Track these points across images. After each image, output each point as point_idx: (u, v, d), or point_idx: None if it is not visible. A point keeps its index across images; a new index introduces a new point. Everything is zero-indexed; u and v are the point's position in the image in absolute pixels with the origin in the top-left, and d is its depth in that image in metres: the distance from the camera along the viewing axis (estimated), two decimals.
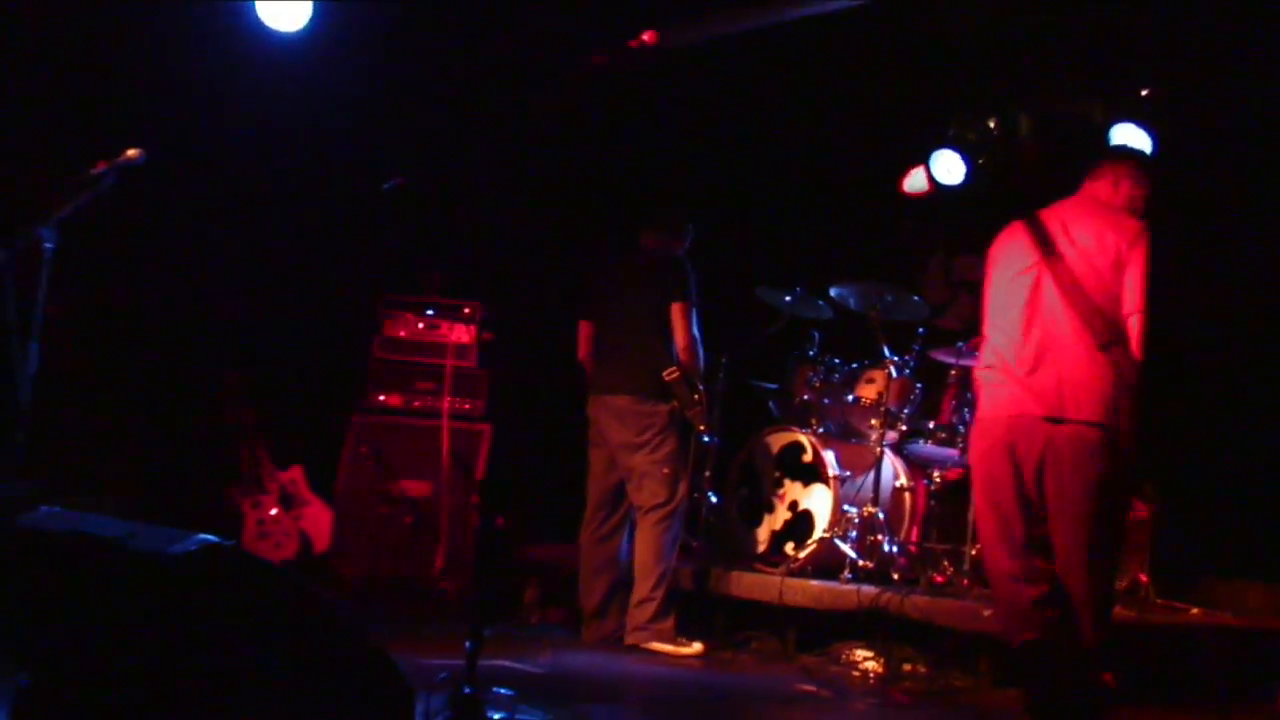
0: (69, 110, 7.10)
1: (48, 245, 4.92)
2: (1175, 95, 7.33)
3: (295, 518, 7.93)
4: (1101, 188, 5.11)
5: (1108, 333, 4.74)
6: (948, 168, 8.02)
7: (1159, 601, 6.80)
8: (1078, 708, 4.69)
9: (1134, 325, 4.76)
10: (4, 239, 4.93)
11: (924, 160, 8.13)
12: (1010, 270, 5.00)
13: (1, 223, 5.11)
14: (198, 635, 2.85)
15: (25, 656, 3.49)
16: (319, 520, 7.92)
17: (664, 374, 6.50)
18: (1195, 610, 6.80)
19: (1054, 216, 5.02)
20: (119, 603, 3.00)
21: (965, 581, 6.48)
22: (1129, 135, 7.36)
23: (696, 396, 6.54)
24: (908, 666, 5.99)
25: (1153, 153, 6.93)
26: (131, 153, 5.05)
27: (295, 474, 8.04)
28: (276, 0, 6.63)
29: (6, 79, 7.05)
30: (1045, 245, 4.92)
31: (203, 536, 2.93)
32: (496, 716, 3.86)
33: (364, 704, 2.97)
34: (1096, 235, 4.87)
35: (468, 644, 3.89)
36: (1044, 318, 4.84)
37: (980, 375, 5.08)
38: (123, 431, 7.66)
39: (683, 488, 6.62)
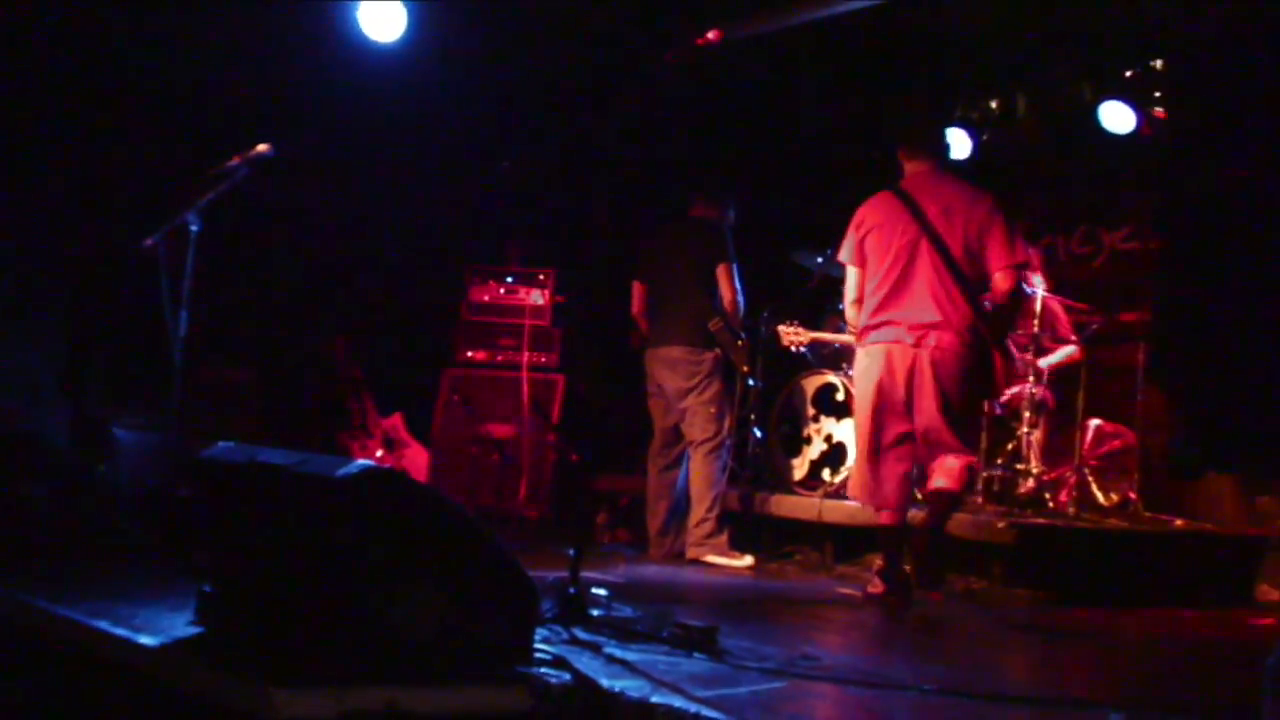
0: (208, 114, 7.19)
1: (193, 228, 4.96)
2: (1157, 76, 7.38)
3: (397, 458, 8.07)
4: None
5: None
6: (955, 143, 8.09)
7: (1147, 515, 6.92)
8: None
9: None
10: (157, 224, 5.04)
11: None
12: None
13: (154, 210, 5.20)
14: (363, 542, 2.97)
15: (208, 568, 3.64)
16: (417, 460, 8.07)
17: (709, 325, 6.57)
18: (1179, 521, 6.92)
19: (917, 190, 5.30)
20: (294, 518, 3.13)
21: (979, 499, 6.58)
22: (1116, 112, 7.46)
23: (739, 344, 6.61)
24: None
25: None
26: (261, 147, 5.07)
27: (396, 421, 8.19)
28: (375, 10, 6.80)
29: (158, 93, 7.19)
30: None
31: (363, 462, 3.06)
32: (596, 612, 3.99)
33: (499, 599, 3.09)
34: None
35: (571, 552, 4.04)
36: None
37: None
38: (250, 386, 7.77)
39: (728, 423, 6.72)
